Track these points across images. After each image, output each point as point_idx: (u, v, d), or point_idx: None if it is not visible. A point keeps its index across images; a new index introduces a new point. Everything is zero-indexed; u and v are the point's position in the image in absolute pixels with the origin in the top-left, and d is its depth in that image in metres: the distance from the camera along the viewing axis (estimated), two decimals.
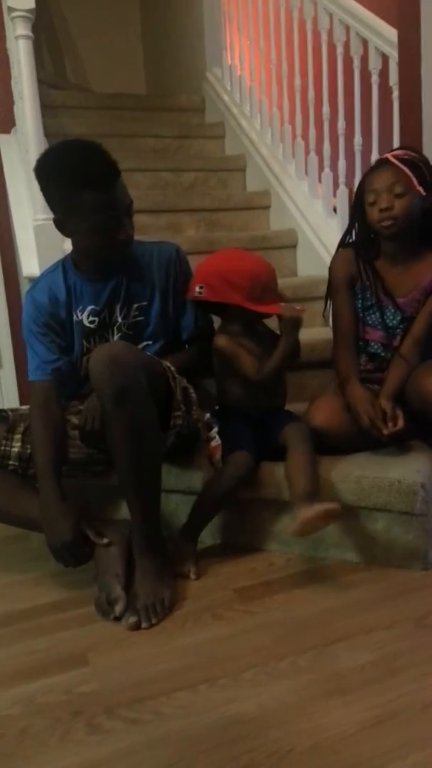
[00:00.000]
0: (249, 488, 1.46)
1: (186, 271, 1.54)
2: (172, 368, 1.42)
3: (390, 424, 1.42)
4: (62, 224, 1.40)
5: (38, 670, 1.11)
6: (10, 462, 1.46)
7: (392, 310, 1.56)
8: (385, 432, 1.42)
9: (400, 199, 1.46)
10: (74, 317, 1.49)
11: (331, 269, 1.64)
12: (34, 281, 1.58)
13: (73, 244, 1.47)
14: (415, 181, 1.45)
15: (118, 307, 1.49)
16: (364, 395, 1.48)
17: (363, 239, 1.58)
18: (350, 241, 1.63)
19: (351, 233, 1.62)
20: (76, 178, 1.31)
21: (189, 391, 1.46)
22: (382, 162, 1.50)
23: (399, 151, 1.51)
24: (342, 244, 1.65)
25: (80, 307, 1.48)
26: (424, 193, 1.46)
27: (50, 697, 1.04)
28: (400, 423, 1.42)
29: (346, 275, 1.60)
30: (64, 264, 1.52)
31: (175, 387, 1.39)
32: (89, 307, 1.48)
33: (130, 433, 1.25)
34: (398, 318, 1.56)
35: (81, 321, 1.49)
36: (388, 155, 1.50)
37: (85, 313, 1.48)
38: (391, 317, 1.56)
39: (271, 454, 1.47)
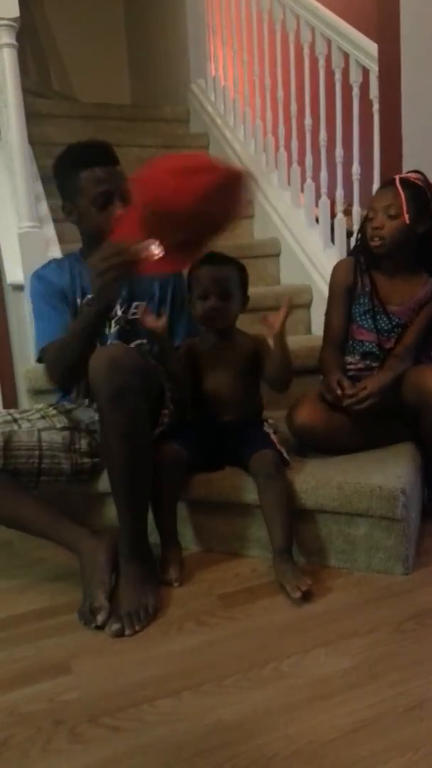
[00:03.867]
0: (231, 493, 1.47)
1: (184, 282, 1.57)
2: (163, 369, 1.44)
3: (350, 393, 1.50)
4: (69, 209, 1.50)
5: (20, 678, 1.10)
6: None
7: (385, 317, 1.61)
8: (344, 400, 1.50)
9: (392, 221, 1.53)
10: (78, 301, 1.55)
11: (331, 275, 1.72)
12: (41, 267, 1.64)
13: (80, 231, 1.55)
14: (404, 207, 1.51)
15: (118, 302, 1.52)
16: (339, 374, 1.57)
17: (363, 249, 1.65)
18: (355, 248, 1.70)
19: (358, 242, 1.68)
20: (77, 159, 1.46)
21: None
22: (389, 182, 1.58)
23: (412, 174, 1.59)
24: (350, 251, 1.75)
25: (84, 294, 1.54)
26: (407, 222, 1.52)
27: (32, 705, 1.04)
28: (362, 396, 1.50)
29: (343, 283, 1.67)
30: (71, 255, 1.62)
31: (166, 386, 1.41)
32: (90, 295, 1.51)
33: (124, 434, 1.26)
34: (393, 323, 1.61)
35: (82, 307, 1.53)
36: (397, 176, 1.57)
37: (86, 301, 1.53)
38: (385, 323, 1.61)
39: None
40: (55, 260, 1.66)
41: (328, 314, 1.71)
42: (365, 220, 1.62)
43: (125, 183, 1.45)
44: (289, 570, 1.30)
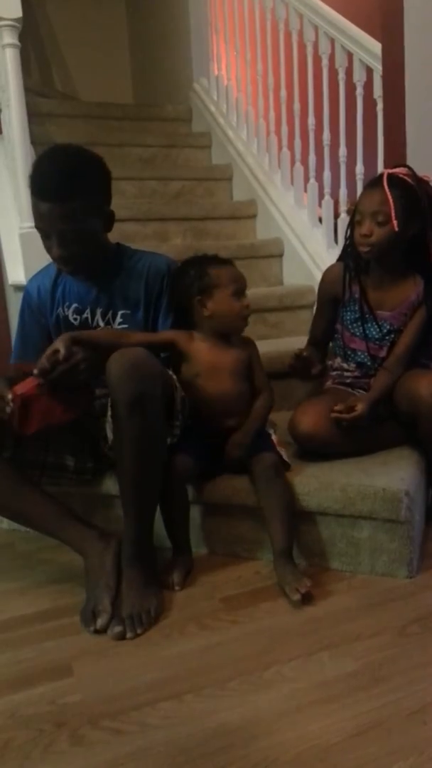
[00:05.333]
0: (234, 496, 1.46)
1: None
2: (174, 377, 1.41)
3: (338, 409, 1.47)
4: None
5: (22, 680, 1.10)
6: None
7: (375, 324, 1.59)
8: (336, 412, 1.47)
9: (381, 228, 1.47)
10: (61, 311, 1.53)
11: (320, 282, 1.70)
12: (33, 276, 1.63)
13: None
14: (393, 214, 1.45)
15: (99, 312, 1.50)
16: (308, 349, 1.61)
17: (352, 253, 1.59)
18: (344, 251, 1.65)
19: (347, 245, 1.62)
20: (33, 185, 1.35)
21: (185, 402, 1.46)
22: (376, 182, 1.50)
23: (400, 169, 1.50)
24: (340, 256, 1.68)
25: (67, 303, 1.52)
26: (396, 229, 1.45)
27: (34, 708, 1.03)
28: (357, 410, 1.47)
29: (329, 292, 1.66)
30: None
31: (176, 397, 1.39)
32: (74, 305, 1.51)
33: (139, 440, 1.25)
34: (384, 330, 1.58)
35: (67, 316, 1.52)
36: (385, 175, 1.48)
37: (70, 310, 1.51)
38: (374, 330, 1.59)
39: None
40: (39, 272, 1.60)
41: (314, 319, 1.73)
42: (353, 223, 1.55)
43: (69, 223, 1.34)
44: (289, 572, 1.29)
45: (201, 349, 1.47)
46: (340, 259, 1.67)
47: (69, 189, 1.32)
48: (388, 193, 1.44)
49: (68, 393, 1.31)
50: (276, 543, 1.34)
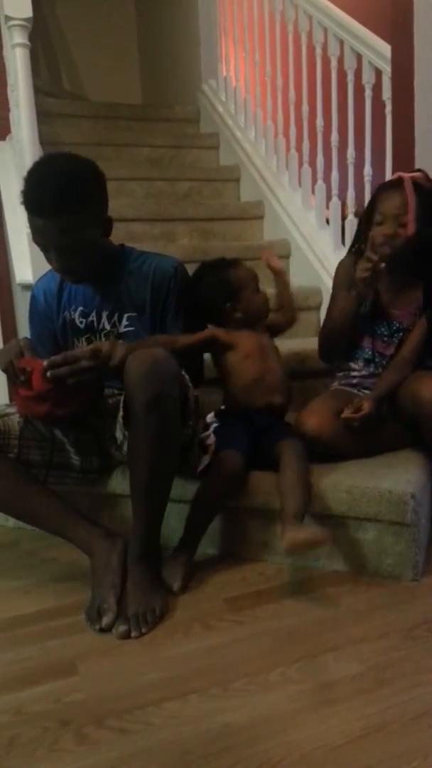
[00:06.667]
0: (240, 497, 1.46)
1: (181, 291, 1.52)
2: (187, 377, 1.41)
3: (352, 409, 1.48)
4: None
5: (26, 678, 1.10)
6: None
7: (385, 322, 1.59)
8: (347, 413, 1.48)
9: (404, 228, 1.50)
10: (67, 315, 1.53)
11: (335, 272, 1.73)
12: (39, 279, 1.64)
13: None
14: (411, 216, 1.48)
15: (105, 315, 1.50)
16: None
17: (365, 251, 1.61)
18: (356, 249, 1.67)
19: (359, 242, 1.65)
20: (27, 200, 1.32)
21: (198, 402, 1.46)
22: (396, 183, 1.52)
23: (418, 173, 1.54)
24: (349, 250, 1.71)
25: (73, 307, 1.53)
26: (411, 232, 1.49)
27: (38, 706, 1.04)
28: (364, 409, 1.47)
29: (344, 281, 1.66)
30: None
31: (189, 396, 1.39)
32: (79, 308, 1.51)
33: (155, 439, 1.25)
34: (393, 328, 1.59)
35: (73, 319, 1.52)
36: (405, 178, 1.51)
37: (77, 313, 1.52)
38: (384, 328, 1.59)
39: (263, 465, 1.46)
40: (45, 275, 1.60)
41: (329, 308, 1.71)
42: (368, 223, 1.58)
43: (66, 237, 1.33)
44: (299, 526, 1.27)
45: (243, 336, 1.58)
46: (351, 253, 1.70)
47: (63, 204, 1.29)
48: (410, 196, 1.48)
49: (65, 392, 1.31)
50: (289, 508, 1.31)
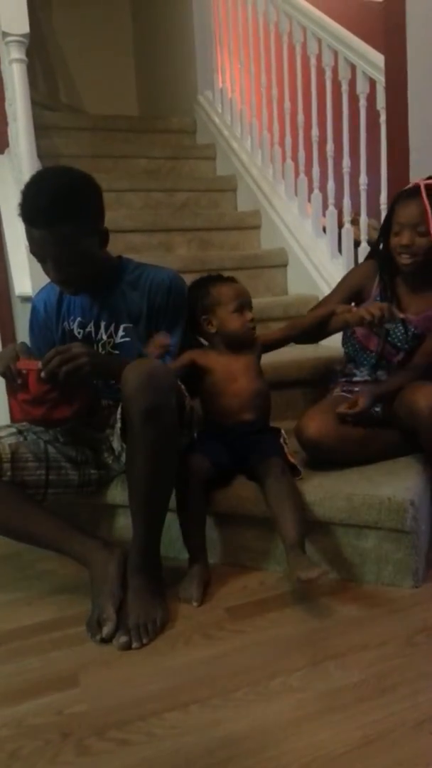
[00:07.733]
0: (239, 506, 1.46)
1: (177, 303, 1.51)
2: (183, 387, 1.42)
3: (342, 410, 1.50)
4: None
5: (28, 691, 1.10)
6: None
7: (401, 328, 1.61)
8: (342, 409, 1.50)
9: (423, 238, 1.52)
10: (66, 325, 1.54)
11: (351, 271, 1.76)
12: (39, 291, 1.65)
13: None
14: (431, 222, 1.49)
15: (103, 325, 1.51)
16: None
17: (385, 258, 1.64)
18: (377, 255, 1.69)
19: (379, 247, 1.68)
20: (23, 210, 1.33)
21: (194, 412, 1.48)
22: (413, 192, 1.54)
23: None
24: (369, 255, 1.75)
25: (72, 317, 1.53)
26: None
27: (40, 718, 1.04)
28: (360, 404, 1.50)
29: (356, 284, 1.70)
30: None
31: (186, 406, 1.40)
32: (77, 319, 1.52)
33: (152, 450, 1.25)
34: (409, 334, 1.60)
35: (72, 330, 1.53)
36: (422, 185, 1.53)
37: (75, 323, 1.53)
38: (399, 333, 1.61)
39: (254, 476, 1.47)
40: (45, 287, 1.60)
41: (329, 293, 1.72)
42: (388, 232, 1.60)
43: (63, 248, 1.34)
44: (304, 560, 1.25)
45: (218, 360, 1.56)
46: (369, 257, 1.74)
47: (59, 215, 1.30)
48: (427, 204, 1.49)
49: (61, 394, 1.31)
50: (288, 538, 1.30)
